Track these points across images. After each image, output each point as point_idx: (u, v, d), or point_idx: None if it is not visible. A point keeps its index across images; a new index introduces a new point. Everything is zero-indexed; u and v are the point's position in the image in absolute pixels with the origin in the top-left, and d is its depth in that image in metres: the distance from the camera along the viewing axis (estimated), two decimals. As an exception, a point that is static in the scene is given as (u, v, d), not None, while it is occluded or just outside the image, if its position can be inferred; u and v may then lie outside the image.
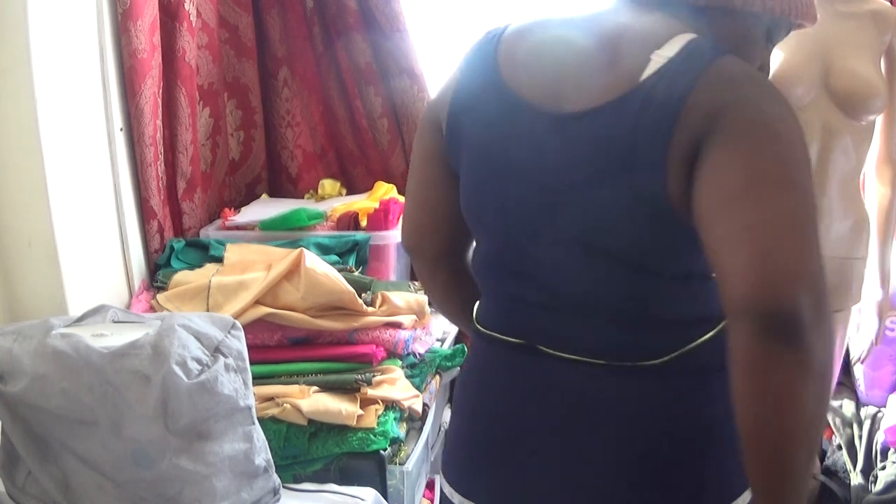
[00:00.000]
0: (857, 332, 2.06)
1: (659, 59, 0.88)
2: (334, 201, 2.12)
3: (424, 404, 1.71)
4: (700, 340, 0.95)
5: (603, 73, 0.91)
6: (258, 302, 1.65)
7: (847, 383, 2.27)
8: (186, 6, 1.90)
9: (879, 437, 2.05)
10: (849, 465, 2.08)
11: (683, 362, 0.95)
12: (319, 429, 1.56)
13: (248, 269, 1.75)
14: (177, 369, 1.17)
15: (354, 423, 1.54)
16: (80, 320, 1.35)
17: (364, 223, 1.96)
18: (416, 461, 1.65)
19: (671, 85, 0.87)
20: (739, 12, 0.94)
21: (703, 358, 0.95)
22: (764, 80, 0.91)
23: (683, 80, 0.86)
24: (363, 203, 2.04)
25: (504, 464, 1.03)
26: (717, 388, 0.89)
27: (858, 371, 2.22)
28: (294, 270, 1.68)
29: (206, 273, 1.76)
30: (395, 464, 1.59)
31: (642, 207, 0.88)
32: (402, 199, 2.08)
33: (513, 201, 0.98)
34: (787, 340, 0.79)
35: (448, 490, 1.09)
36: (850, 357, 2.13)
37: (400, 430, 1.61)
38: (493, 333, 1.04)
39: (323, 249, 1.85)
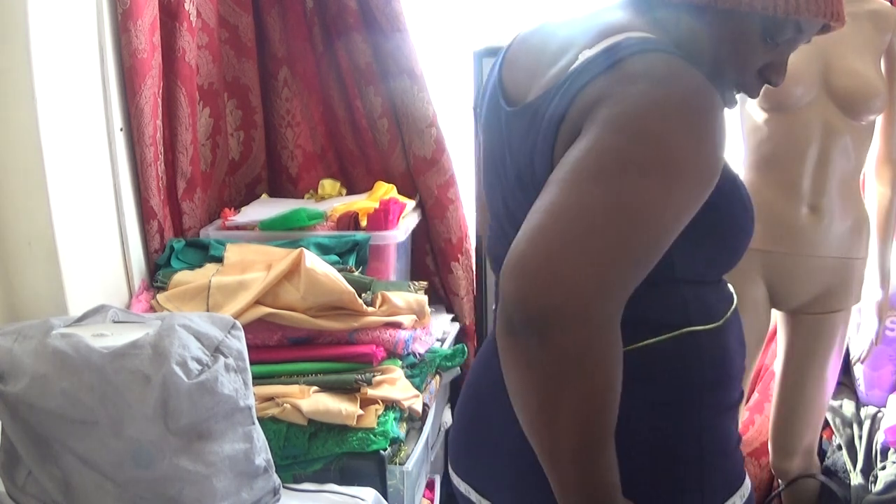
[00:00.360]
0: (857, 332, 2.06)
1: (582, 58, 0.89)
2: (334, 201, 2.12)
3: (424, 404, 1.71)
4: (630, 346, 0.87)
5: (552, 71, 0.93)
6: (258, 302, 1.65)
7: (847, 383, 2.27)
8: (186, 6, 1.90)
9: (879, 437, 2.05)
10: (849, 465, 2.08)
11: None
12: (319, 429, 1.56)
13: (248, 269, 1.75)
14: (177, 369, 1.17)
15: (354, 423, 1.54)
16: (80, 320, 1.35)
17: (364, 223, 1.96)
18: (416, 461, 1.65)
19: (571, 85, 0.87)
20: (726, 11, 0.91)
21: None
22: (666, 82, 0.83)
23: (581, 80, 0.86)
24: (363, 203, 2.04)
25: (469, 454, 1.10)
26: (636, 398, 0.85)
27: (858, 371, 2.22)
28: (294, 270, 1.68)
29: (206, 273, 1.76)
30: (395, 464, 1.59)
31: None
32: (402, 199, 2.09)
33: (496, 196, 1.05)
34: (509, 331, 0.78)
35: None
36: (850, 357, 2.13)
37: (400, 430, 1.61)
38: None
39: (323, 249, 1.85)
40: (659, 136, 0.80)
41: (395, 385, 1.63)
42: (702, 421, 0.97)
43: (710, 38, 0.93)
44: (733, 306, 1.03)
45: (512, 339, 0.78)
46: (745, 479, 1.04)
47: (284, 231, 1.93)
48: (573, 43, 0.92)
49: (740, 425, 1.07)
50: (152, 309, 1.70)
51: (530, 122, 0.92)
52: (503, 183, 1.01)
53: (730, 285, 1.07)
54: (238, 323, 1.33)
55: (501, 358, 0.81)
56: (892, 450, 2.00)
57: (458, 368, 1.98)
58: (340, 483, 1.49)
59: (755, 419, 2.22)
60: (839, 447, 2.15)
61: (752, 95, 1.00)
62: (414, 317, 1.76)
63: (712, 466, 0.98)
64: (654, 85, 0.83)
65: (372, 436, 1.54)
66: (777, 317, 1.99)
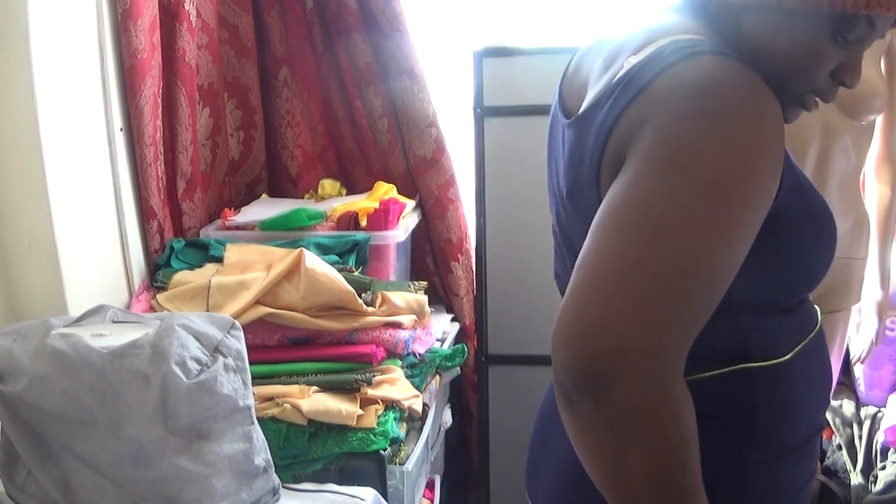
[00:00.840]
0: (857, 332, 2.06)
1: (627, 65, 0.84)
2: (334, 201, 2.12)
3: (424, 404, 1.71)
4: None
5: (602, 80, 0.89)
6: (258, 302, 1.65)
7: (847, 383, 2.27)
8: (186, 6, 1.90)
9: (879, 437, 2.06)
10: (849, 465, 2.08)
11: None
12: (319, 429, 1.56)
13: (248, 269, 1.75)
14: (176, 369, 1.17)
15: (354, 423, 1.54)
16: (79, 320, 1.35)
17: (364, 223, 1.96)
18: (416, 461, 1.65)
19: (617, 98, 0.82)
20: (791, 11, 0.82)
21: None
22: (709, 92, 0.77)
23: (626, 95, 0.81)
24: (363, 203, 2.04)
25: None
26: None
27: (858, 371, 2.22)
28: (294, 270, 1.68)
29: (206, 273, 1.76)
30: (395, 464, 1.59)
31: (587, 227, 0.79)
32: (402, 199, 2.09)
33: (553, 213, 1.02)
34: (566, 399, 0.73)
35: None
36: (850, 357, 2.13)
37: (400, 430, 1.61)
38: None
39: (323, 249, 1.85)
40: (701, 163, 0.74)
41: (395, 385, 1.63)
42: (749, 464, 0.89)
43: (774, 40, 0.85)
44: (810, 335, 0.93)
45: (570, 407, 0.73)
46: None
47: (284, 231, 1.93)
48: (623, 49, 0.88)
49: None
50: (152, 309, 1.70)
51: (578, 135, 0.88)
52: (557, 199, 0.98)
53: (815, 306, 0.98)
54: (237, 323, 1.33)
55: (568, 430, 0.76)
56: (892, 450, 2.00)
57: (458, 368, 1.98)
58: (340, 483, 1.49)
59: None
60: (839, 447, 2.15)
61: (827, 100, 0.92)
62: (414, 317, 1.76)
63: None
64: (695, 98, 0.77)
65: (372, 436, 1.54)
66: (777, 317, 1.99)
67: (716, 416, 0.84)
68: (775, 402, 0.90)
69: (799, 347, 0.91)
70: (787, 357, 0.90)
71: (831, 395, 1.05)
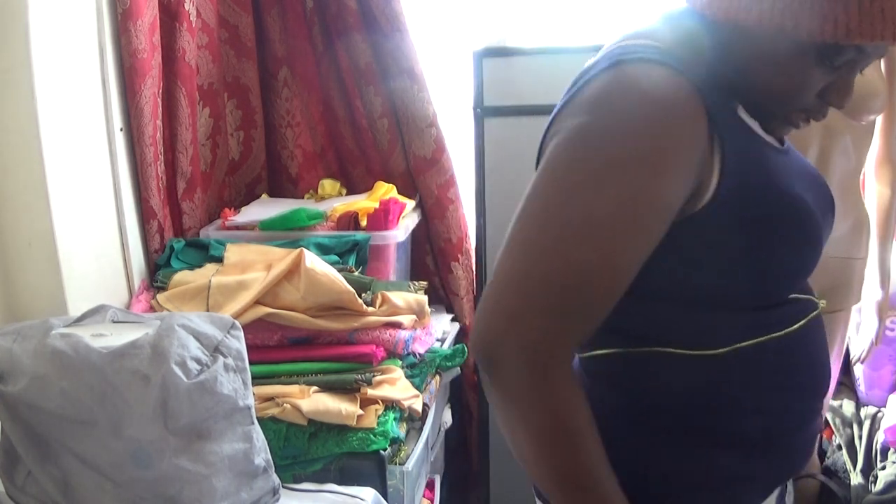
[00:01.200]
0: (857, 333, 2.06)
1: (584, 67, 0.89)
2: (334, 201, 2.12)
3: (424, 404, 1.71)
4: (597, 352, 0.95)
5: None
6: (258, 302, 1.65)
7: (847, 383, 2.27)
8: (186, 6, 1.90)
9: (879, 437, 2.05)
10: (849, 465, 2.08)
11: (589, 364, 0.98)
12: (319, 429, 1.56)
13: (248, 269, 1.75)
14: (176, 369, 1.17)
15: (354, 423, 1.54)
16: (79, 320, 1.35)
17: (364, 223, 1.96)
18: (416, 461, 1.65)
19: (562, 100, 0.89)
20: (753, 30, 0.82)
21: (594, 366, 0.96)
22: (610, 110, 0.82)
23: (565, 97, 0.88)
24: (363, 203, 2.04)
25: None
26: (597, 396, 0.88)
27: (858, 371, 2.22)
28: (294, 270, 1.68)
29: (206, 273, 1.76)
30: (395, 464, 1.59)
31: None
32: (402, 199, 2.09)
33: None
34: (485, 372, 0.83)
35: None
36: (851, 357, 2.13)
37: (400, 430, 1.61)
38: None
39: (323, 249, 1.85)
40: (578, 175, 0.81)
41: (395, 385, 1.63)
42: (666, 445, 0.92)
43: (757, 61, 0.85)
44: (771, 335, 0.92)
45: (481, 376, 0.85)
46: None
47: (284, 231, 1.93)
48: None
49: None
50: (152, 309, 1.70)
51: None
52: None
53: (806, 309, 0.96)
54: (237, 323, 1.33)
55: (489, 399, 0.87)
56: (892, 450, 2.00)
57: (458, 368, 1.98)
58: (340, 483, 1.49)
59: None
60: (839, 447, 2.15)
61: (818, 118, 0.92)
62: (414, 317, 1.76)
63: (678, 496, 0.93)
64: (594, 110, 0.83)
65: (372, 436, 1.54)
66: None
67: (629, 393, 0.93)
68: (707, 392, 0.91)
69: (745, 344, 0.90)
70: (719, 351, 0.90)
71: (823, 396, 1.01)
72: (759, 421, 0.93)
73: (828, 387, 1.02)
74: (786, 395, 0.95)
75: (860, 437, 2.11)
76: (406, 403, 1.62)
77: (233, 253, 1.82)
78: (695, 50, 0.87)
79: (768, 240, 0.88)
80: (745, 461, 0.93)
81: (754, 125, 0.91)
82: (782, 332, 0.92)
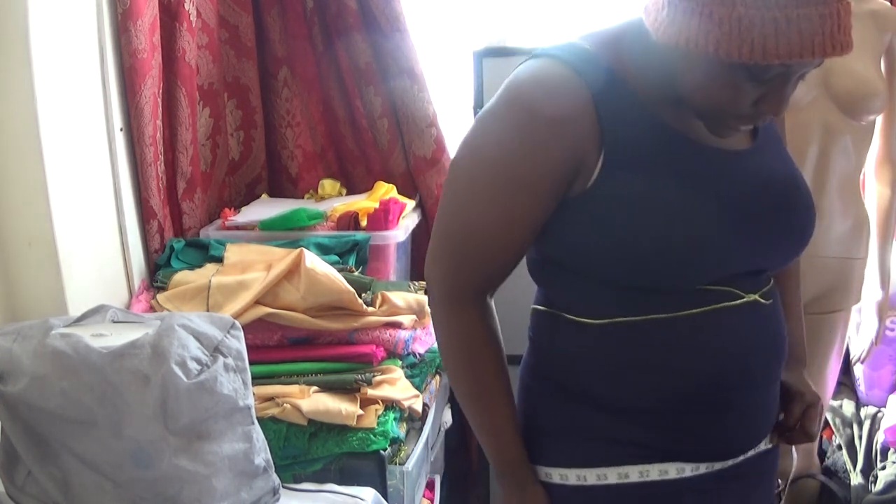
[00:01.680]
0: (857, 333, 2.06)
1: None
2: (334, 201, 2.12)
3: (424, 404, 1.71)
4: (535, 307, 1.15)
5: None
6: (258, 302, 1.65)
7: (847, 383, 2.27)
8: (186, 6, 1.91)
9: (879, 437, 2.05)
10: (849, 465, 2.08)
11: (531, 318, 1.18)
12: (319, 429, 1.56)
13: (248, 269, 1.75)
14: (176, 369, 1.17)
15: (354, 423, 1.54)
16: (79, 320, 1.35)
17: (364, 223, 1.96)
18: (416, 461, 1.65)
19: None
20: (689, 51, 0.88)
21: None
22: (498, 98, 1.02)
23: None
24: (363, 203, 2.04)
25: None
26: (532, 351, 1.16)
27: (858, 371, 2.21)
28: (294, 270, 1.68)
29: (206, 273, 1.76)
30: (395, 464, 1.59)
31: None
32: (402, 199, 2.09)
33: None
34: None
35: None
36: (850, 357, 2.13)
37: (400, 430, 1.61)
38: None
39: (323, 249, 1.85)
40: (468, 152, 1.04)
41: (395, 385, 1.63)
42: (546, 395, 1.12)
43: (688, 73, 0.92)
44: (656, 315, 0.99)
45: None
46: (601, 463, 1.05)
47: (284, 231, 1.93)
48: None
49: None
50: (152, 309, 1.70)
51: None
52: None
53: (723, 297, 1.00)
54: (237, 323, 1.33)
55: None
56: (892, 450, 2.00)
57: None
58: (340, 483, 1.49)
59: (755, 419, 2.21)
60: (839, 447, 2.15)
61: (757, 124, 0.97)
62: (414, 317, 1.76)
63: (550, 434, 1.11)
64: (494, 101, 1.02)
65: (372, 436, 1.54)
66: (777, 317, 1.99)
67: (533, 343, 1.15)
68: (587, 358, 1.04)
69: (621, 320, 1.00)
70: (599, 321, 1.02)
71: (740, 391, 1.02)
72: (643, 394, 1.02)
73: (750, 383, 1.03)
74: (675, 377, 1.01)
75: (860, 438, 2.11)
76: (406, 403, 1.62)
77: (233, 253, 1.82)
78: (619, 55, 0.99)
79: (634, 229, 0.96)
80: (625, 427, 1.04)
81: (687, 127, 0.99)
82: (665, 315, 0.99)
